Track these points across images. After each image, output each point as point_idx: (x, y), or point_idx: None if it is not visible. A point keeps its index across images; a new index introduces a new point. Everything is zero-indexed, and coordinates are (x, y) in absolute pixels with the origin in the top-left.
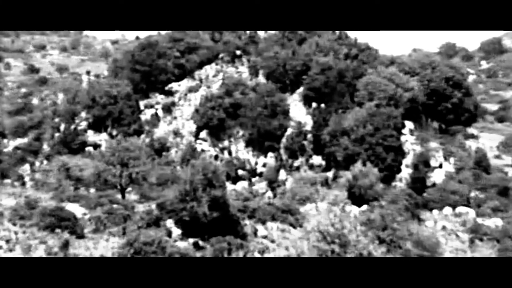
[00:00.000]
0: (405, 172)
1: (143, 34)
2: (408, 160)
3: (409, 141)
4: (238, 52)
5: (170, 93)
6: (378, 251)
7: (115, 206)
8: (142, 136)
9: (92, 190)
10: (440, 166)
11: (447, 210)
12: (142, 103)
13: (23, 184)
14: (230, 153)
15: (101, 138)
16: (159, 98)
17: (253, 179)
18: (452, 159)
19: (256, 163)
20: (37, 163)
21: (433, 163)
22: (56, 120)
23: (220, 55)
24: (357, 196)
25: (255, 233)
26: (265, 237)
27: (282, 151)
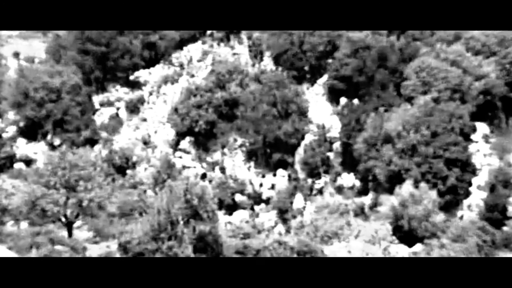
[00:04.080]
0: (477, 197)
1: None
2: (480, 179)
3: (482, 152)
4: None
5: (136, 84)
6: None
7: (58, 247)
8: (97, 146)
9: (24, 225)
10: None
11: None
12: (96, 100)
13: None
14: (223, 170)
15: (37, 150)
16: (121, 92)
17: (257, 208)
18: None
19: (261, 185)
20: None
21: None
22: None
23: (209, 30)
24: (406, 232)
25: None
26: None
27: (297, 167)
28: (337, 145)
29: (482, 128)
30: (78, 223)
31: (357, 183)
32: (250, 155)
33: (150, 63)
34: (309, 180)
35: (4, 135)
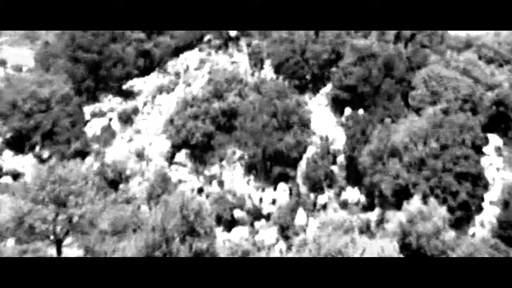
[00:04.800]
0: (489, 213)
1: None
2: (493, 194)
3: (495, 165)
4: (232, 33)
5: (130, 94)
6: None
7: None
8: (89, 159)
9: (11, 243)
10: None
11: None
12: (88, 110)
13: None
14: (221, 184)
15: (25, 163)
16: (114, 102)
17: (257, 224)
18: None
19: (261, 200)
20: None
21: None
22: None
23: (206, 37)
24: (414, 250)
25: None
26: None
27: (299, 181)
28: (341, 158)
29: (494, 140)
30: (68, 240)
31: (363, 198)
32: (250, 169)
33: (144, 72)
34: (312, 195)
35: None
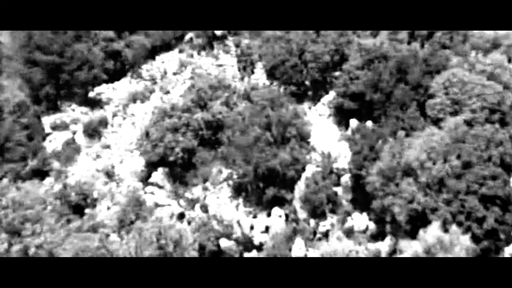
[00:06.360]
0: None
1: None
2: None
3: None
4: (218, 31)
5: (97, 103)
6: None
7: None
8: (48, 180)
9: None
10: None
11: None
12: (47, 121)
13: None
14: (205, 209)
15: None
16: (78, 112)
17: (247, 255)
18: None
19: (252, 227)
20: None
21: None
22: None
23: (187, 36)
24: None
25: None
26: None
27: (297, 205)
28: (346, 178)
29: None
30: None
31: (371, 225)
32: (239, 191)
33: (114, 77)
34: (312, 222)
35: None
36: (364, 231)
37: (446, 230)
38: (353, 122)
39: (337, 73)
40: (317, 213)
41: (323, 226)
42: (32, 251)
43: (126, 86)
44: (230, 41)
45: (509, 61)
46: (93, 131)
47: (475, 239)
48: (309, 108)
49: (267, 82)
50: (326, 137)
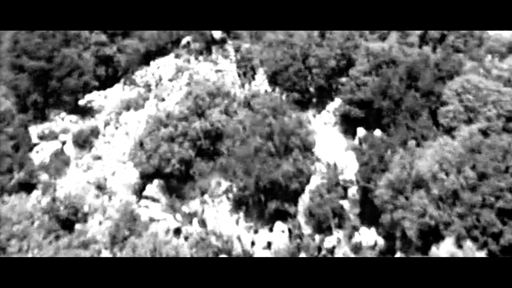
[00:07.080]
0: None
1: None
2: None
3: None
4: (217, 34)
5: (88, 111)
6: None
7: None
8: (36, 193)
9: None
10: None
11: None
12: (35, 131)
13: None
14: (203, 223)
15: None
16: (68, 121)
17: None
18: None
19: (253, 243)
20: None
21: None
22: None
23: (184, 39)
24: None
25: None
26: None
27: (301, 219)
28: (353, 191)
29: None
30: None
31: (380, 241)
32: (239, 204)
33: (106, 83)
34: (317, 237)
35: None
36: (373, 247)
37: (460, 246)
38: (361, 131)
39: (343, 79)
40: (322, 228)
41: (329, 242)
42: None
43: (118, 93)
44: (229, 45)
45: None
46: (84, 141)
47: (491, 255)
48: (314, 116)
49: (269, 89)
50: (332, 147)
